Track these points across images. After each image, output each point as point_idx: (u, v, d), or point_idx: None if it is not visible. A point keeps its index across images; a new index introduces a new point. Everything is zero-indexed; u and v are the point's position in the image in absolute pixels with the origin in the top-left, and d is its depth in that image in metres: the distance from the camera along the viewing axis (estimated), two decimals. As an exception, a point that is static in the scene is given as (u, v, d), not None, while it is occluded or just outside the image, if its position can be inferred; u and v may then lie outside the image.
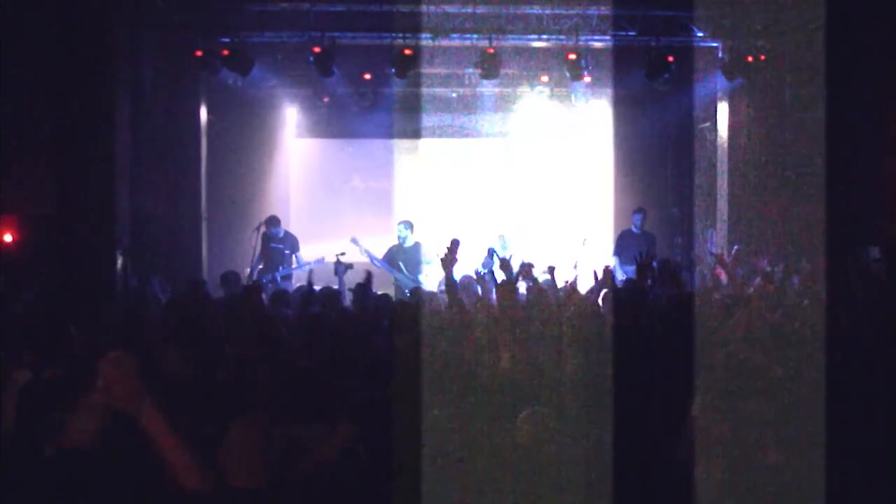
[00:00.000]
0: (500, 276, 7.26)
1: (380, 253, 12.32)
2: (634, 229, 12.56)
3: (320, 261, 12.07)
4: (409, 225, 12.27)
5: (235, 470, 3.72)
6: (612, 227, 15.30)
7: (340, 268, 11.05)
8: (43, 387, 4.69)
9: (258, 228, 12.49)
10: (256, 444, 3.77)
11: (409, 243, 12.19)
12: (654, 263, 8.19)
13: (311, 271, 11.22)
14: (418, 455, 4.11)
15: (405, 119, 16.30)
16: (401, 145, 16.57)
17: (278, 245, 12.54)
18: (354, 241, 12.11)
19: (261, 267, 12.32)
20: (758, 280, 8.58)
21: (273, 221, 12.67)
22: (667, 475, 4.06)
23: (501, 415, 4.23)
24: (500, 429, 4.14)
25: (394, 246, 12.25)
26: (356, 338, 6.53)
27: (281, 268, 12.31)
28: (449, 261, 6.51)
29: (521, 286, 8.77)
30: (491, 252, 10.84)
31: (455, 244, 6.72)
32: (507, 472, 3.93)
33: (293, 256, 12.55)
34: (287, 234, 12.76)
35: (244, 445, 3.74)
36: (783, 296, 7.70)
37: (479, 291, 9.82)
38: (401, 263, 11.94)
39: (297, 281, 11.81)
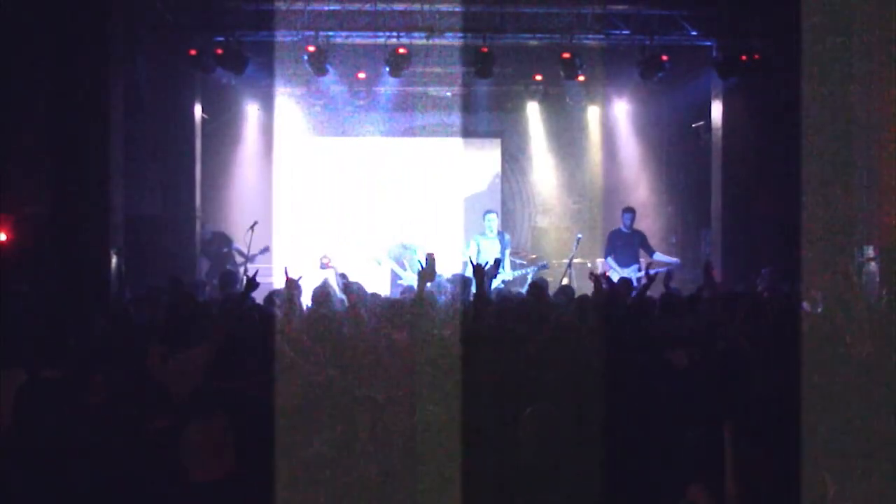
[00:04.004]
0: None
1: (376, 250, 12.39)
2: (624, 228, 12.52)
3: (265, 250, 12.21)
4: (417, 228, 12.34)
5: (197, 466, 3.89)
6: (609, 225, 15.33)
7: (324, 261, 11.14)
8: (41, 387, 4.69)
9: (252, 227, 12.54)
10: (215, 441, 3.92)
11: (411, 243, 12.21)
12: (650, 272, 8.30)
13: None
14: (414, 453, 4.12)
15: (399, 118, 16.33)
16: (395, 144, 16.57)
17: (211, 247, 12.69)
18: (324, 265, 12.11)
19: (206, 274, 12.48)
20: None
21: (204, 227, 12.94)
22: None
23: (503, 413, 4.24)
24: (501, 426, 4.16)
25: (396, 245, 12.26)
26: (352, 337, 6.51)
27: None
28: (426, 276, 6.47)
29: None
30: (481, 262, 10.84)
31: (430, 259, 6.69)
32: (509, 470, 3.95)
33: (233, 252, 12.65)
34: (214, 233, 12.87)
35: (204, 443, 3.88)
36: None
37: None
38: (405, 262, 11.97)
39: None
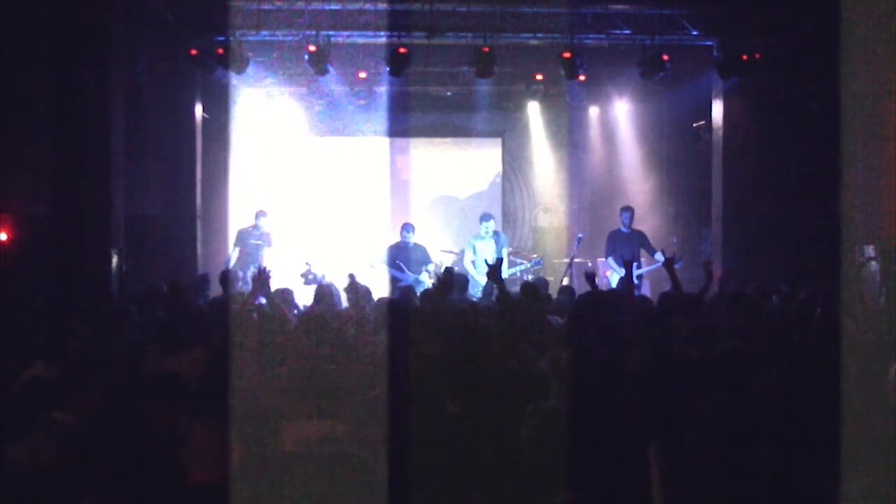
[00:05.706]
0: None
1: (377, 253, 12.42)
2: (623, 228, 12.48)
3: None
4: (411, 227, 12.29)
5: (197, 468, 3.91)
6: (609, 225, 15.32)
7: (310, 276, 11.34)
8: (41, 385, 4.69)
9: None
10: (215, 443, 3.93)
11: (411, 244, 12.19)
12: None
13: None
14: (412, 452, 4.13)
15: (400, 117, 16.31)
16: (395, 144, 16.57)
17: (257, 241, 12.72)
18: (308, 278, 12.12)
19: (233, 264, 12.43)
20: None
21: (261, 214, 12.90)
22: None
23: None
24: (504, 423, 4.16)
25: (393, 246, 12.24)
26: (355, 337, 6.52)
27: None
28: (444, 289, 6.44)
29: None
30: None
31: (449, 272, 6.71)
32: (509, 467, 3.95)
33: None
34: (263, 232, 12.93)
35: (204, 445, 3.92)
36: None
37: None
38: (400, 263, 11.96)
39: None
